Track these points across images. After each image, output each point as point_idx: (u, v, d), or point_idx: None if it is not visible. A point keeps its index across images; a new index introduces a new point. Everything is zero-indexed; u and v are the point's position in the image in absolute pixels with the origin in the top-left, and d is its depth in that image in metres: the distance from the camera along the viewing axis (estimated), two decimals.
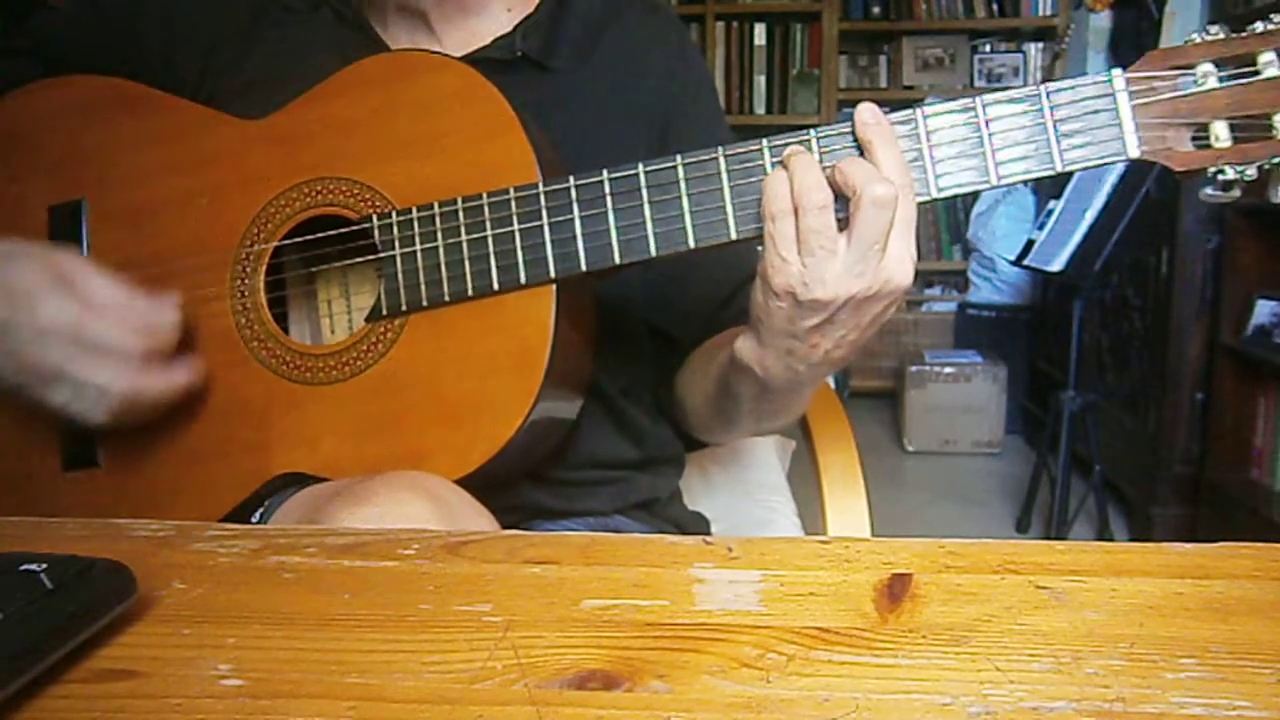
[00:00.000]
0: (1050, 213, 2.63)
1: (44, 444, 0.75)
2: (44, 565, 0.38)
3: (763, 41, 3.95)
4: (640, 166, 0.65)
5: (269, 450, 0.70)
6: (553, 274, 0.66)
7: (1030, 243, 2.66)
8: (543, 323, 0.66)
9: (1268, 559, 0.44)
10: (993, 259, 3.62)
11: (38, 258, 0.67)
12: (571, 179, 0.66)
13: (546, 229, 0.66)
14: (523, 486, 0.77)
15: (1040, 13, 3.85)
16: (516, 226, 0.67)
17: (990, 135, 0.62)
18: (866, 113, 0.62)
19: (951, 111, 0.63)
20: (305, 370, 0.70)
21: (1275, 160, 0.60)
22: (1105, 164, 0.62)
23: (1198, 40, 0.61)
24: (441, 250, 0.68)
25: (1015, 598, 0.41)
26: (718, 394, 0.78)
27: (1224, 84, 0.60)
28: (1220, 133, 0.61)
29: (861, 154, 0.62)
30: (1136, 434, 2.64)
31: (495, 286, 0.67)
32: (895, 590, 0.42)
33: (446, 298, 0.68)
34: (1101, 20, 3.32)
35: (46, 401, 0.67)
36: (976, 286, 3.74)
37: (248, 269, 0.72)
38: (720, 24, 3.93)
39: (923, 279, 4.00)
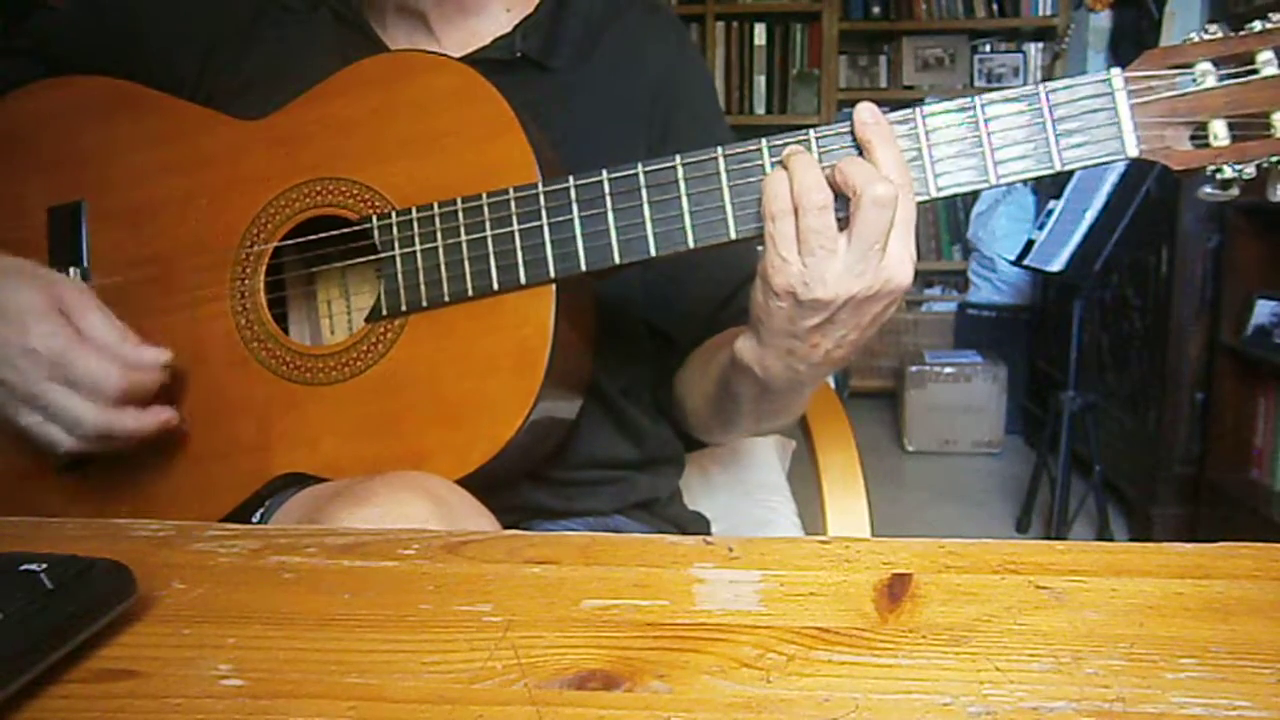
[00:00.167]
0: (1050, 213, 2.63)
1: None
2: (44, 565, 0.38)
3: (763, 41, 3.95)
4: (640, 166, 0.65)
5: (269, 451, 0.70)
6: (552, 274, 0.66)
7: (1030, 243, 2.66)
8: (542, 323, 0.66)
9: (1268, 559, 0.44)
10: (993, 259, 3.62)
11: (42, 280, 0.67)
12: (571, 179, 0.66)
13: (546, 229, 0.66)
14: (523, 486, 0.77)
15: (1040, 13, 3.85)
16: (516, 227, 0.67)
17: (989, 134, 0.62)
18: (865, 112, 0.62)
19: (950, 111, 0.63)
20: (305, 371, 0.70)
21: (1274, 158, 0.60)
22: (1104, 163, 0.62)
23: (1196, 39, 0.61)
24: (441, 250, 0.68)
25: (1015, 598, 0.41)
26: (717, 394, 0.78)
27: (1222, 83, 0.60)
28: (1219, 131, 0.61)
29: (860, 154, 0.62)
30: (1136, 434, 2.64)
31: (495, 287, 0.67)
32: (895, 590, 0.42)
33: (446, 298, 0.68)
34: (1101, 20, 3.31)
35: (15, 421, 0.67)
36: (976, 286, 3.74)
37: (247, 269, 0.72)
38: (720, 24, 3.93)
39: (923, 279, 4.00)
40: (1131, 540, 2.39)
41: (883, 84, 4.02)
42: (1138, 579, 0.43)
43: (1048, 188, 3.15)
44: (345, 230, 0.71)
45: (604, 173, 0.66)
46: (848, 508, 0.98)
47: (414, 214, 0.69)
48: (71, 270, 0.75)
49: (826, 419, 1.05)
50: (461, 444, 0.66)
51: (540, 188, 0.66)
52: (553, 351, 0.66)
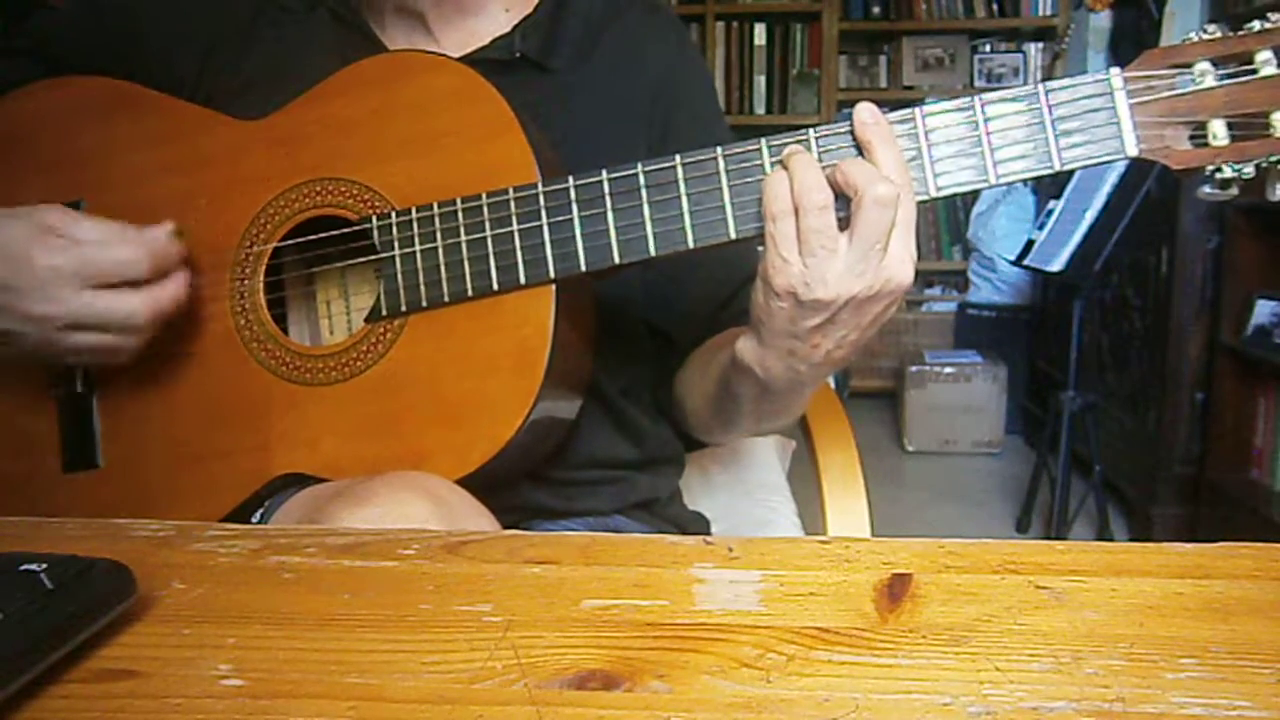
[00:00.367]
0: (1050, 213, 2.63)
1: (44, 445, 0.75)
2: (44, 565, 0.38)
3: (763, 41, 3.95)
4: (639, 166, 0.65)
5: (269, 451, 0.70)
6: (552, 274, 0.66)
7: (1030, 243, 2.66)
8: (542, 323, 0.66)
9: (1268, 559, 0.44)
10: (993, 259, 3.62)
11: (21, 216, 0.67)
12: (570, 179, 0.66)
13: (546, 229, 0.66)
14: (523, 486, 0.77)
15: (1040, 13, 3.85)
16: (516, 227, 0.67)
17: (989, 134, 0.62)
18: (865, 112, 0.62)
19: (950, 111, 0.63)
20: (305, 371, 0.70)
21: (1273, 158, 0.60)
22: (1104, 162, 0.62)
23: (1195, 39, 0.61)
24: (441, 251, 0.68)
25: (1015, 598, 0.41)
26: (718, 394, 0.78)
27: (1222, 82, 0.60)
28: (1218, 131, 0.61)
29: (860, 154, 0.62)
30: (1136, 434, 2.64)
31: (495, 287, 0.67)
32: (895, 590, 0.42)
33: (446, 298, 0.68)
34: (1101, 20, 3.31)
35: (71, 348, 0.68)
36: (976, 286, 3.74)
37: (247, 270, 0.72)
38: (720, 24, 3.93)
39: (923, 279, 4.00)
40: (1131, 540, 2.39)
41: (883, 84, 4.02)
42: (1138, 579, 0.43)
43: (1048, 188, 3.15)
44: (345, 230, 0.71)
45: (604, 173, 0.66)
46: (848, 508, 0.98)
47: (414, 214, 0.69)
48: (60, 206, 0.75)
49: (826, 419, 1.05)
50: (461, 444, 0.66)
51: (540, 188, 0.66)
52: (552, 351, 0.66)
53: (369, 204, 0.70)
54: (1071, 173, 0.65)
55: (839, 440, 1.03)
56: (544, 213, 0.66)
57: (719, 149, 0.64)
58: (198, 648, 0.39)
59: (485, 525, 0.61)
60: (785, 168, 0.61)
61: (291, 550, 0.48)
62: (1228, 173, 0.61)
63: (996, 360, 3.40)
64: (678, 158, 0.64)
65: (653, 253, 0.65)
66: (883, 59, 4.04)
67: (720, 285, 0.85)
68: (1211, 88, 0.60)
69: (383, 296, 0.69)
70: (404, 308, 0.69)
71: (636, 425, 0.84)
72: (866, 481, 1.00)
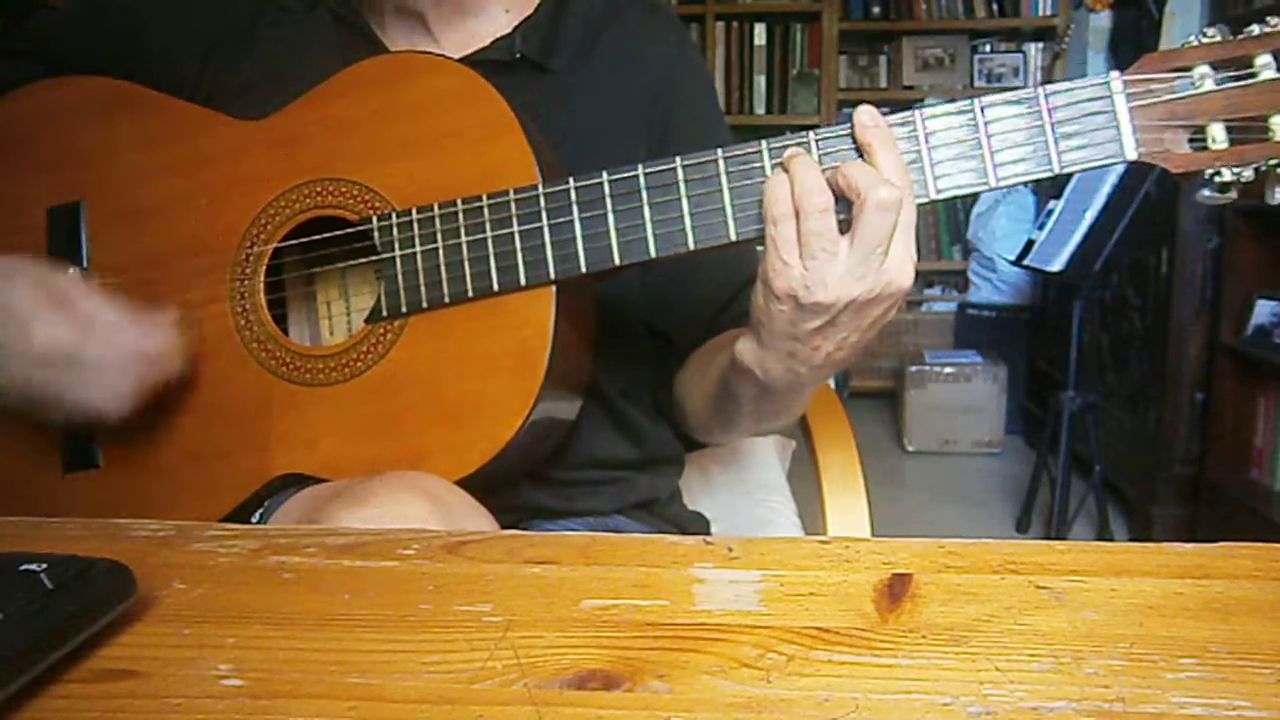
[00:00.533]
0: (1050, 213, 2.63)
1: (44, 446, 0.75)
2: (44, 565, 0.38)
3: (763, 41, 3.95)
4: (640, 168, 0.65)
5: (269, 451, 0.70)
6: (552, 275, 0.66)
7: (1030, 243, 2.66)
8: (542, 324, 0.66)
9: (1268, 559, 0.44)
10: (993, 259, 3.62)
11: (31, 277, 0.67)
12: (571, 180, 0.66)
13: (546, 230, 0.66)
14: (523, 486, 0.77)
15: (1040, 13, 3.85)
16: (516, 228, 0.67)
17: (989, 137, 0.62)
18: (865, 115, 0.62)
19: (950, 113, 0.63)
20: (305, 371, 0.70)
21: (1272, 161, 0.60)
22: (1103, 166, 0.62)
23: (1195, 43, 0.61)
24: (441, 251, 0.68)
25: (1015, 598, 0.41)
26: (718, 395, 0.78)
27: (1221, 86, 0.60)
28: (1217, 135, 0.61)
29: (860, 156, 0.62)
30: (1136, 434, 2.64)
31: (495, 288, 0.67)
32: (895, 590, 0.42)
33: (446, 299, 0.68)
34: (1101, 20, 3.31)
35: (51, 417, 0.68)
36: (976, 286, 3.74)
37: (247, 270, 0.72)
38: (720, 24, 3.93)
39: (923, 279, 4.00)
40: (1131, 540, 2.39)
41: (883, 84, 4.02)
42: (1138, 579, 0.43)
43: (1047, 188, 3.14)
44: (345, 231, 0.71)
45: (604, 174, 0.66)
46: (848, 508, 0.98)
47: (414, 215, 0.69)
48: (71, 270, 0.75)
49: (826, 419, 1.05)
50: (461, 444, 0.66)
51: (540, 189, 0.66)
52: (552, 352, 0.66)
53: (369, 204, 0.70)
54: (1071, 175, 0.65)
55: (839, 440, 1.03)
56: (544, 214, 0.66)
57: (719, 151, 0.64)
58: (198, 648, 0.39)
59: (485, 525, 0.61)
60: (786, 170, 0.61)
61: (291, 550, 0.48)
62: (1227, 176, 0.61)
63: (996, 360, 3.40)
64: (678, 159, 0.65)
65: (653, 254, 0.65)
66: (883, 59, 4.04)
67: (720, 288, 0.85)
68: (1211, 91, 0.60)
69: (383, 297, 0.69)
70: (404, 308, 0.69)
71: (636, 425, 0.84)
72: (866, 481, 1.00)
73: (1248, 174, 0.61)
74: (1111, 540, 2.18)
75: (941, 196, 0.63)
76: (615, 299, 0.79)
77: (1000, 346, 3.50)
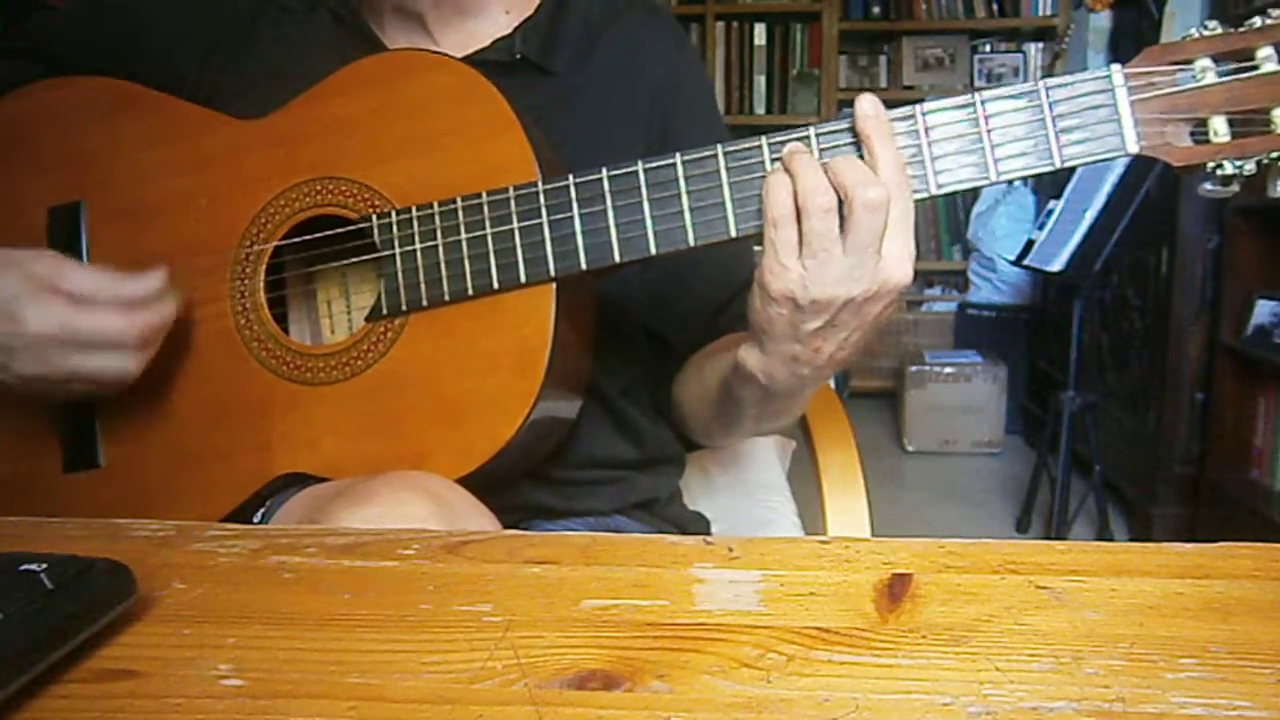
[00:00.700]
0: (1050, 212, 2.63)
1: (44, 446, 0.75)
2: (44, 565, 0.38)
3: (763, 41, 3.95)
4: (640, 164, 0.65)
5: (269, 451, 0.70)
6: (552, 273, 0.66)
7: (1030, 243, 2.66)
8: (543, 322, 0.66)
9: (1268, 559, 0.44)
10: (993, 259, 3.62)
11: (15, 266, 0.67)
12: (571, 177, 0.66)
13: (546, 227, 0.66)
14: (523, 486, 0.77)
15: (1040, 13, 3.85)
16: (516, 225, 0.67)
17: (989, 131, 0.62)
18: (867, 104, 0.61)
19: (951, 108, 0.63)
20: (305, 370, 0.70)
21: (1274, 154, 0.60)
22: (1104, 159, 0.62)
23: (1196, 36, 0.61)
24: (441, 250, 0.68)
25: (1015, 598, 0.41)
26: (719, 398, 0.78)
27: (1222, 79, 0.60)
28: (1219, 127, 0.61)
29: (860, 148, 0.62)
30: (1136, 434, 2.64)
31: (495, 285, 0.67)
32: (895, 590, 0.42)
33: (446, 297, 0.68)
34: (1101, 20, 3.31)
35: (70, 395, 0.69)
36: (976, 286, 3.74)
37: (247, 269, 0.72)
38: (720, 24, 3.93)
39: (923, 279, 4.00)
40: (1131, 540, 2.39)
41: (883, 84, 4.02)
42: (1138, 579, 0.43)
43: (1048, 187, 3.15)
44: (345, 229, 0.71)
45: (604, 171, 0.66)
46: (848, 508, 0.98)
47: (414, 213, 0.69)
48: (51, 253, 0.74)
49: (826, 419, 1.05)
50: (462, 443, 0.66)
51: (540, 186, 0.66)
52: (553, 351, 0.66)
53: (369, 203, 0.70)
54: (1072, 171, 0.65)
55: (839, 440, 1.03)
56: (544, 211, 0.66)
57: (719, 147, 0.64)
58: (198, 648, 0.39)
59: (485, 525, 0.61)
60: (787, 169, 0.61)
61: (292, 550, 0.48)
62: (1228, 169, 0.61)
63: (996, 360, 3.40)
64: (678, 156, 0.64)
65: (653, 251, 0.65)
66: (883, 59, 4.04)
67: (720, 287, 0.85)
68: (1212, 84, 0.60)
69: (383, 295, 0.69)
70: (404, 307, 0.69)
71: (636, 425, 0.84)
72: (866, 481, 1.00)
73: (1249, 167, 0.61)
74: (1111, 540, 2.18)
75: (942, 191, 0.63)
76: (615, 298, 0.79)
77: (1000, 346, 3.50)
